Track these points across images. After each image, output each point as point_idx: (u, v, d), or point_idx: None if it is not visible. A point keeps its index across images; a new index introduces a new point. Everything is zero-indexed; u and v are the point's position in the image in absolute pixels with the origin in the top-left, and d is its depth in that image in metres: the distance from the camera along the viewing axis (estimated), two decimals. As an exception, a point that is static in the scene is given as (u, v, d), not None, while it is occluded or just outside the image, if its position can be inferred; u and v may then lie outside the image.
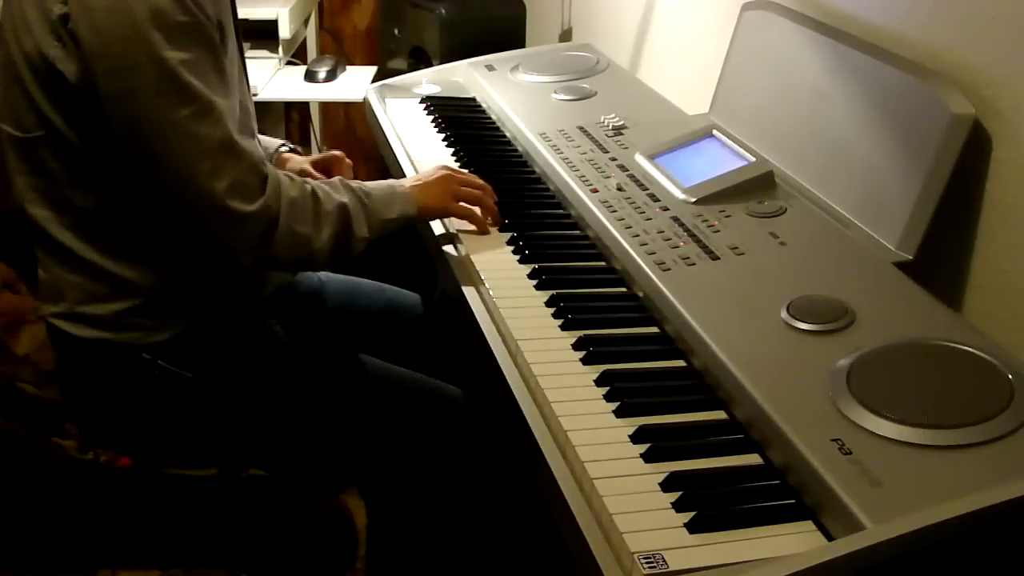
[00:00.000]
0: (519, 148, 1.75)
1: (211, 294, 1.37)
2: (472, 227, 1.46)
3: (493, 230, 1.46)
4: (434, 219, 1.48)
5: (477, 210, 1.46)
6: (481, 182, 1.49)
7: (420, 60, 2.79)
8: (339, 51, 3.37)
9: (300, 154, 1.71)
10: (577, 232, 1.46)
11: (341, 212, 1.32)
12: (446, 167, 1.49)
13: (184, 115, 1.19)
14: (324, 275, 1.67)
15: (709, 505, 0.92)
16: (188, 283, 1.34)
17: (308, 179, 1.34)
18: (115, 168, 1.25)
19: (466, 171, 1.53)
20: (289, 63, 2.95)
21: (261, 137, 1.66)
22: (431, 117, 1.91)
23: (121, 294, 1.31)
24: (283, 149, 1.69)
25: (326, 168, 1.67)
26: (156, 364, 1.33)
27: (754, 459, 0.99)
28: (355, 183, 1.38)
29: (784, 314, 1.11)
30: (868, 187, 1.33)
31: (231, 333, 1.38)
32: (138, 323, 1.32)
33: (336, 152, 1.70)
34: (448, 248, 1.43)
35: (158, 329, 1.33)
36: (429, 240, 1.50)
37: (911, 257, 1.23)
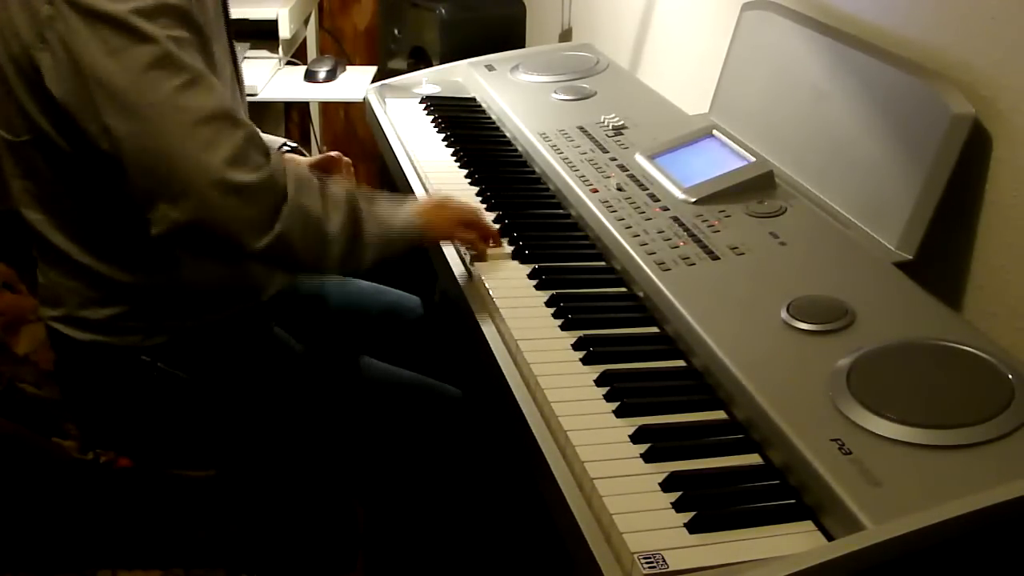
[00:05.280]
0: (519, 148, 1.74)
1: (211, 297, 1.36)
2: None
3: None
4: (437, 240, 1.42)
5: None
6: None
7: (420, 60, 2.79)
8: (339, 51, 3.37)
9: (302, 154, 1.71)
10: (577, 232, 1.46)
11: (349, 201, 1.24)
12: (447, 197, 1.42)
13: (174, 86, 1.12)
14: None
15: (709, 505, 0.92)
16: (185, 286, 1.33)
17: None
18: (105, 173, 1.20)
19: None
20: (289, 63, 2.94)
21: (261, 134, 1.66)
22: (431, 117, 1.91)
23: (116, 298, 1.30)
24: (284, 149, 1.68)
25: (325, 169, 1.67)
26: (155, 366, 1.32)
27: (754, 459, 0.99)
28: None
29: (784, 314, 1.11)
30: (868, 187, 1.33)
31: (231, 335, 1.38)
32: (134, 326, 1.31)
33: (333, 153, 1.68)
34: (447, 249, 1.43)
35: (156, 332, 1.32)
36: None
37: (911, 257, 1.23)
